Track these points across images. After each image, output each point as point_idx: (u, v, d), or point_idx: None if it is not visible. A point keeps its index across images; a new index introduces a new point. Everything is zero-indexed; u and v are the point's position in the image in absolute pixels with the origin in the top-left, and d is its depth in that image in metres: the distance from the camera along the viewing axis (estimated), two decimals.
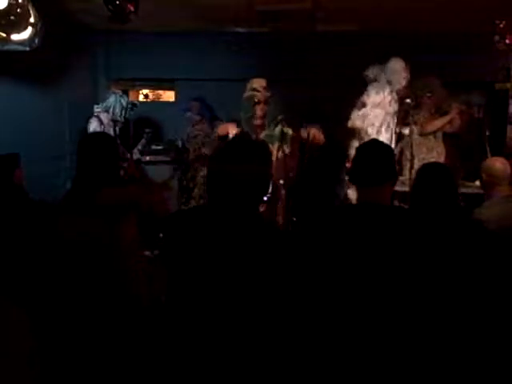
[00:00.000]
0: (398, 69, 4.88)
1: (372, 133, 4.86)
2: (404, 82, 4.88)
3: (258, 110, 4.28)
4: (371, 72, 4.96)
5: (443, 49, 5.82)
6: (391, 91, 4.88)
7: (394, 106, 4.94)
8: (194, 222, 1.79)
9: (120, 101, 5.53)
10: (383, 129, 4.86)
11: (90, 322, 2.42)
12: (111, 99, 5.53)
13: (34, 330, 1.51)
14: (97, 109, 5.77)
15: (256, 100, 4.27)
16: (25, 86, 5.18)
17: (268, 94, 4.33)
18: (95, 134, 3.73)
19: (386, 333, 1.93)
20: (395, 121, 4.97)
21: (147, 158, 5.98)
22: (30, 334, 1.48)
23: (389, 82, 4.88)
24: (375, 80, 4.94)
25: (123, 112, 5.51)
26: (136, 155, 5.64)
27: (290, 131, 4.30)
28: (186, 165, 5.22)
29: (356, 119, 4.98)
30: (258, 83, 4.36)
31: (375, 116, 4.90)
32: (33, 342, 1.49)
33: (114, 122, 5.47)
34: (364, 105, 4.91)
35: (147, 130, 5.99)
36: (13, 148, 4.18)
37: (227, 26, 6.01)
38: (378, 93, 4.89)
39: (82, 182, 2.73)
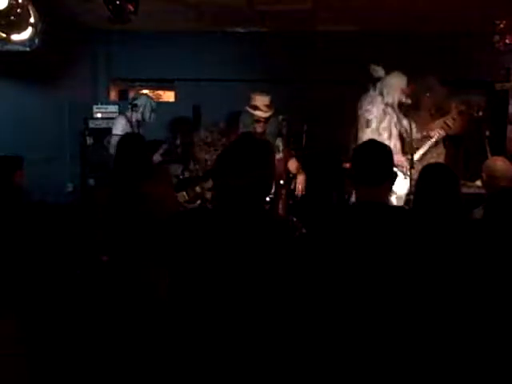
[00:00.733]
0: (393, 84, 4.72)
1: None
2: (396, 100, 4.71)
3: (258, 128, 4.31)
4: (375, 71, 4.87)
5: (443, 49, 5.82)
6: (384, 102, 4.73)
7: (391, 113, 4.79)
8: (197, 221, 1.78)
9: (150, 103, 5.53)
10: (385, 137, 4.74)
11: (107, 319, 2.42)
12: (142, 100, 5.52)
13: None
14: (97, 109, 5.77)
15: (256, 119, 4.29)
16: (25, 86, 5.19)
17: (270, 113, 4.31)
18: (134, 134, 3.86)
19: (386, 331, 1.93)
20: (398, 126, 4.79)
21: None
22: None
23: (380, 93, 4.73)
24: (378, 79, 4.83)
25: (152, 114, 5.51)
26: (157, 158, 5.61)
27: (280, 145, 4.34)
28: (206, 172, 5.12)
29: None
30: (261, 101, 4.33)
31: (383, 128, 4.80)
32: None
33: (139, 122, 5.48)
34: (368, 123, 4.73)
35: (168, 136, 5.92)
36: (13, 148, 4.19)
37: (227, 26, 6.01)
38: (373, 105, 4.74)
39: (123, 175, 3.02)
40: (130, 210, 2.93)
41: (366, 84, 5.00)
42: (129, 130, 5.38)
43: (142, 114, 5.47)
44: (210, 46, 6.25)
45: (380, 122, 4.73)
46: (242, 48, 6.22)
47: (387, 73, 4.84)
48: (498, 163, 3.21)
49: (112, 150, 5.34)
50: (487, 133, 5.06)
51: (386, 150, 2.22)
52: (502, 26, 4.68)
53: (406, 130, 4.74)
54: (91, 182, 5.51)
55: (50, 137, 5.57)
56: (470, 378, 2.09)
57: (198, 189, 4.94)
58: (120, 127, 5.35)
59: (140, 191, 2.93)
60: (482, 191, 3.38)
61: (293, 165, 4.49)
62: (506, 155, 4.32)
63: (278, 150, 4.44)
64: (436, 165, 2.88)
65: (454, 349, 2.08)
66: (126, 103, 6.01)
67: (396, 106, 4.73)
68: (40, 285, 2.53)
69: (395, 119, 4.76)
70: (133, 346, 2.26)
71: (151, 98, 5.71)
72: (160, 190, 3.12)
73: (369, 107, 4.74)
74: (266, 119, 4.31)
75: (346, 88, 6.05)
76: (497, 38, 4.75)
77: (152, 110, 5.52)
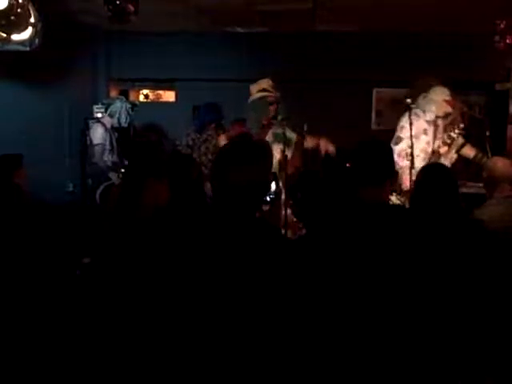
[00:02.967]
0: (437, 100, 4.55)
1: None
2: (441, 114, 4.55)
3: (272, 111, 4.32)
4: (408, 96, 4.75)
5: (443, 49, 5.83)
6: (426, 120, 4.57)
7: (430, 132, 4.63)
8: (188, 222, 1.76)
9: (125, 106, 5.51)
10: (420, 158, 4.49)
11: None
12: (117, 105, 5.50)
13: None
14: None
15: (269, 100, 4.30)
16: (25, 86, 5.18)
17: (278, 93, 4.35)
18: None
19: (386, 331, 1.93)
20: (432, 148, 4.60)
21: None
22: None
23: (423, 110, 4.57)
24: (411, 104, 4.67)
25: (128, 118, 5.50)
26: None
27: (294, 137, 4.33)
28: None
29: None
30: (268, 84, 4.37)
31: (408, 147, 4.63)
32: None
33: (115, 127, 5.47)
34: (400, 139, 4.52)
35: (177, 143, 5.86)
36: (13, 148, 4.19)
37: (227, 25, 6.01)
38: (413, 124, 4.44)
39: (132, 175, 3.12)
40: (130, 208, 2.94)
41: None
42: (107, 136, 5.38)
43: (118, 119, 5.45)
44: (210, 46, 6.24)
45: (416, 140, 4.48)
46: (242, 48, 6.22)
47: (425, 87, 4.75)
48: (498, 163, 3.22)
49: (95, 160, 5.35)
50: (487, 133, 5.06)
51: (386, 149, 2.22)
52: (502, 26, 4.68)
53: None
54: (90, 181, 5.51)
55: (50, 137, 5.57)
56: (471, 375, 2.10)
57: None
58: (98, 136, 5.34)
59: (142, 189, 2.95)
60: (482, 191, 3.38)
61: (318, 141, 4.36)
62: (506, 155, 4.32)
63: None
64: (434, 165, 2.89)
65: (456, 348, 2.08)
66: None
67: (437, 121, 4.60)
68: (39, 284, 2.53)
69: (431, 139, 4.61)
70: (120, 350, 2.23)
71: (126, 102, 5.68)
72: (162, 187, 3.13)
73: (405, 125, 4.49)
74: (278, 100, 4.33)
75: (346, 88, 6.06)
76: (497, 38, 4.74)
77: (128, 114, 5.50)
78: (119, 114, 5.48)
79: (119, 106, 5.51)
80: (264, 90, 4.35)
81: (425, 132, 4.61)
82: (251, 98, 4.41)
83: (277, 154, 4.24)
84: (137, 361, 1.74)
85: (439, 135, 4.65)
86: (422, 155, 4.59)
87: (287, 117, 4.26)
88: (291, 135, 4.33)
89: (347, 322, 1.95)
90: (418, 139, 4.55)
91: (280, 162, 4.28)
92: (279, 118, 4.35)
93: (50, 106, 5.57)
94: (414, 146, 4.42)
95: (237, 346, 1.60)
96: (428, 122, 4.58)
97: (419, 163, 4.38)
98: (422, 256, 2.00)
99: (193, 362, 1.62)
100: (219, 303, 1.62)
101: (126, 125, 5.52)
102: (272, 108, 4.32)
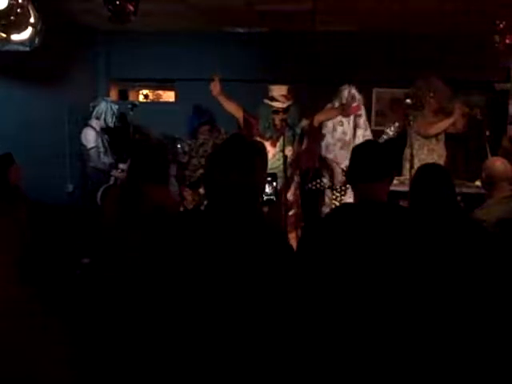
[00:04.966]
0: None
1: None
2: None
3: (277, 120, 4.28)
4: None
5: (443, 49, 5.83)
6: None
7: (345, 125, 5.41)
8: (185, 225, 1.77)
9: (111, 107, 5.51)
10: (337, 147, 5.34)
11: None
12: (102, 106, 5.51)
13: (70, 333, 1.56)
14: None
15: (275, 109, 4.27)
16: (25, 86, 5.18)
17: (288, 102, 4.30)
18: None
19: (385, 332, 1.93)
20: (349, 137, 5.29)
21: None
22: (67, 336, 1.54)
23: None
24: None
25: (114, 119, 5.50)
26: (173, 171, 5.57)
27: (304, 123, 4.35)
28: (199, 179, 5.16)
29: None
30: (278, 91, 4.32)
31: None
32: (70, 345, 1.56)
33: (105, 129, 5.48)
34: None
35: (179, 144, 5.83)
36: (13, 148, 4.19)
37: (227, 25, 6.02)
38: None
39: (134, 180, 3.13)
40: (130, 211, 2.95)
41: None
42: (99, 139, 5.41)
43: (105, 120, 5.46)
44: (210, 46, 6.24)
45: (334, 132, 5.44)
46: (242, 48, 6.22)
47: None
48: (497, 163, 3.22)
49: (93, 164, 5.38)
50: (487, 133, 5.06)
51: (384, 149, 2.24)
52: (501, 26, 4.68)
53: None
54: (90, 182, 5.52)
55: (50, 137, 5.57)
56: (471, 377, 2.10)
57: (201, 190, 4.94)
58: (92, 139, 5.38)
59: (141, 193, 2.95)
60: (482, 191, 3.38)
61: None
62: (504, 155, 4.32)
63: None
64: (430, 165, 2.89)
65: (455, 348, 2.08)
66: (125, 103, 6.03)
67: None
68: (38, 283, 2.53)
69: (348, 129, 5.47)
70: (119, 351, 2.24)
71: (112, 102, 5.68)
72: (160, 192, 3.13)
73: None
74: (284, 110, 4.30)
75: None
76: (497, 38, 4.75)
77: (114, 114, 5.50)
78: (105, 114, 5.48)
79: (104, 106, 5.51)
80: (272, 97, 4.31)
81: (340, 123, 5.41)
82: (262, 100, 4.41)
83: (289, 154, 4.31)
84: (136, 359, 1.74)
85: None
86: (339, 144, 5.41)
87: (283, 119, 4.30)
88: (302, 124, 4.37)
89: (346, 320, 1.95)
90: (336, 131, 5.38)
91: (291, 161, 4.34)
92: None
93: (50, 106, 5.57)
94: (331, 136, 5.36)
95: (234, 344, 1.61)
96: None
97: (338, 151, 5.40)
98: (421, 255, 2.00)
99: (192, 360, 1.62)
100: (217, 302, 1.62)
101: (112, 125, 5.52)
102: (277, 117, 4.29)
